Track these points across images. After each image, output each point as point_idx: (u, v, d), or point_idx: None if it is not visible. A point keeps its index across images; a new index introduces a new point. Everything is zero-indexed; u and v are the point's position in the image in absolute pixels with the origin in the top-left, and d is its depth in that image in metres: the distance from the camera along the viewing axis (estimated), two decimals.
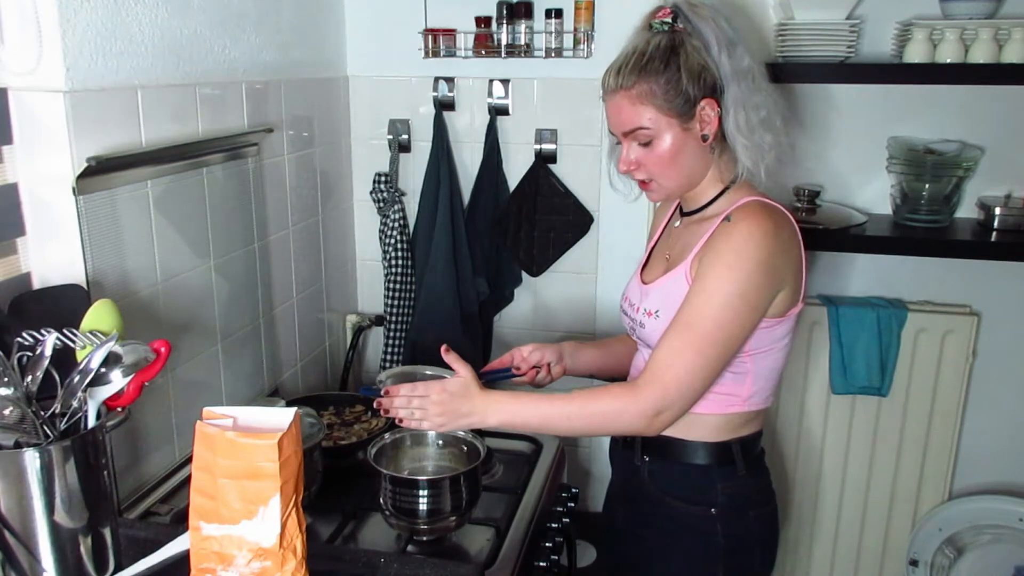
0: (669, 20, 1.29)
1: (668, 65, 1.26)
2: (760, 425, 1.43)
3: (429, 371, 1.36)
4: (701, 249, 1.31)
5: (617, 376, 1.58)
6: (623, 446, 1.48)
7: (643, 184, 1.36)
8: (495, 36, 2.07)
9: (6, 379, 1.04)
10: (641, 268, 1.49)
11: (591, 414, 1.29)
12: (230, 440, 0.92)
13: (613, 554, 1.57)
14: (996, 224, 1.96)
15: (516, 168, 2.17)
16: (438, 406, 1.28)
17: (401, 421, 1.31)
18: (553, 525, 1.56)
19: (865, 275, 2.15)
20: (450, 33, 2.10)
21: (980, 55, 1.82)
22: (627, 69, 1.28)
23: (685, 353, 1.25)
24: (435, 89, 2.17)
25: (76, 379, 1.04)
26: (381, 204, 2.22)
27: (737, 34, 1.30)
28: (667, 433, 1.34)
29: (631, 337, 1.49)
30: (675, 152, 1.30)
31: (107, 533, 1.09)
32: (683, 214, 1.43)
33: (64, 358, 1.07)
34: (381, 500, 1.38)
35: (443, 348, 1.33)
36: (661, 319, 1.33)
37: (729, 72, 1.27)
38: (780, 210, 1.31)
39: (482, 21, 2.07)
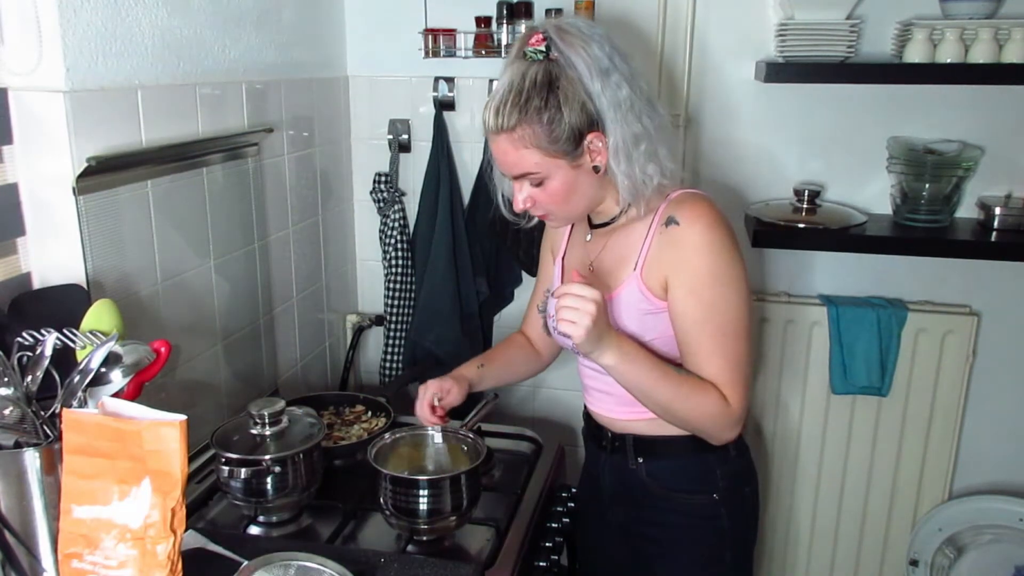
0: (543, 49, 1.21)
1: (547, 103, 1.20)
2: None
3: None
4: (652, 257, 1.29)
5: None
6: (611, 451, 1.46)
7: (543, 217, 1.34)
8: (495, 36, 2.07)
9: (6, 379, 1.04)
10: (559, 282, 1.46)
11: (693, 404, 1.27)
12: (99, 423, 0.95)
13: (618, 557, 1.55)
14: (996, 224, 1.96)
15: None
16: (591, 316, 1.17)
17: (560, 321, 1.21)
18: (553, 525, 1.56)
19: (865, 275, 2.15)
20: (450, 33, 2.10)
21: (980, 55, 1.81)
22: (506, 109, 1.21)
23: (732, 361, 1.27)
24: (435, 89, 2.17)
25: (76, 379, 1.04)
26: (381, 204, 2.22)
27: (613, 61, 1.22)
28: (655, 433, 1.38)
29: (543, 338, 1.58)
30: (568, 190, 1.27)
31: None
32: (593, 226, 1.41)
33: (64, 358, 1.07)
34: (381, 500, 1.38)
35: (574, 273, 1.26)
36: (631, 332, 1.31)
37: (604, 104, 1.21)
38: (708, 196, 1.32)
39: (482, 21, 2.07)
